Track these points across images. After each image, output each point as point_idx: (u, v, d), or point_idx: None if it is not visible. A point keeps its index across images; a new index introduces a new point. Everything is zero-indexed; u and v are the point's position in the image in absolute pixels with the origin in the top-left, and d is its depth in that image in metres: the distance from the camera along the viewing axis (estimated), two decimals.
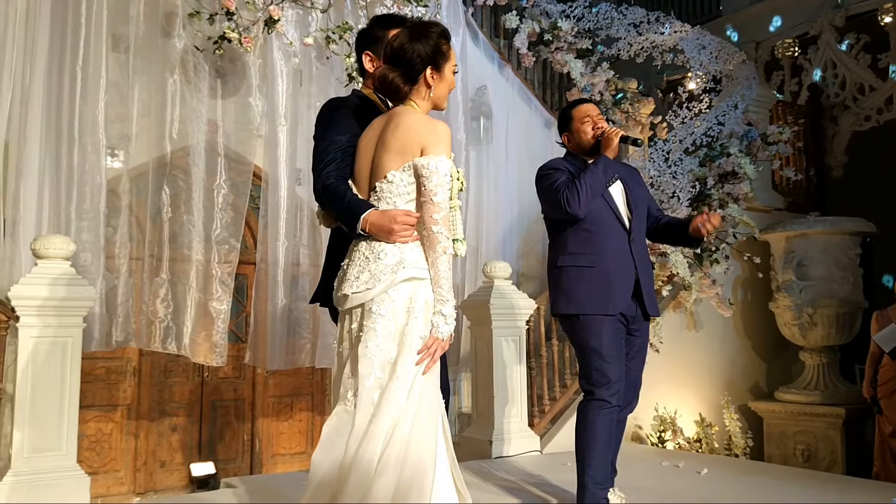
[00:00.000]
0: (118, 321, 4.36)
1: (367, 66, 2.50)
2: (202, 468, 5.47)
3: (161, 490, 5.36)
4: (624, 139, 3.16)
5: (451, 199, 2.10)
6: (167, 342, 4.43)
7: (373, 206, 2.14)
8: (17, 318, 3.32)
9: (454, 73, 2.27)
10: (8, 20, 4.00)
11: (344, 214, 2.20)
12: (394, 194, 2.11)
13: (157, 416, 5.42)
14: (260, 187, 4.97)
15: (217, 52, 4.41)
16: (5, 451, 3.32)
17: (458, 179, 2.14)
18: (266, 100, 4.81)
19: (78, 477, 3.38)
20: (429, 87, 2.19)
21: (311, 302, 2.57)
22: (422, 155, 2.08)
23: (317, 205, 2.44)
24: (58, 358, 3.35)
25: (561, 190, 3.04)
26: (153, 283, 4.51)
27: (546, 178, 3.16)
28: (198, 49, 4.52)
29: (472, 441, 4.75)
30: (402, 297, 2.05)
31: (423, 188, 2.08)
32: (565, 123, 3.29)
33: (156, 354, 4.95)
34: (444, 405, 2.19)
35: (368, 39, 2.52)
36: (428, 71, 2.18)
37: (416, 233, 2.12)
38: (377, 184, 2.15)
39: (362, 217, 2.12)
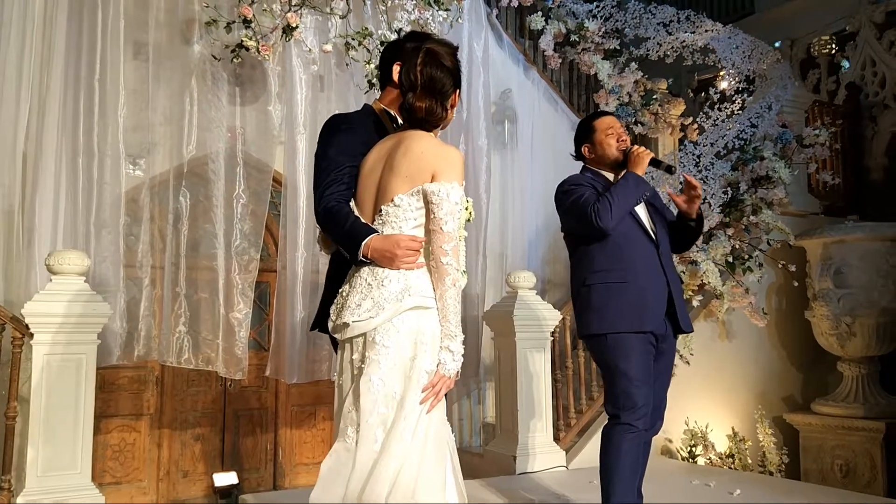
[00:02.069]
0: (139, 334, 4.32)
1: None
2: (225, 478, 5.43)
3: (184, 500, 5.34)
4: (656, 163, 3.04)
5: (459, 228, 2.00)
6: (186, 356, 4.38)
7: (375, 230, 2.04)
8: (31, 335, 3.29)
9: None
10: (26, 32, 3.99)
11: (345, 239, 2.09)
12: (400, 219, 2.00)
13: (179, 426, 5.39)
14: (281, 193, 4.91)
15: (234, 60, 4.36)
16: (21, 469, 3.30)
17: (466, 209, 2.02)
18: (285, 107, 4.74)
19: (93, 496, 3.34)
20: (450, 112, 2.14)
21: (312, 329, 2.47)
22: (432, 181, 1.97)
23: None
24: (72, 375, 3.32)
25: (590, 203, 2.92)
26: (173, 294, 4.46)
27: (570, 194, 3.03)
28: (215, 58, 4.46)
29: (496, 456, 4.64)
30: (409, 328, 1.94)
31: (431, 216, 1.97)
32: (586, 134, 3.16)
33: None
34: (451, 435, 2.07)
35: (402, 51, 2.40)
36: (455, 95, 2.14)
37: (421, 259, 2.01)
38: (383, 207, 2.04)
39: (364, 242, 2.01)
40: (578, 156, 3.22)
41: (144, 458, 5.24)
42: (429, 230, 1.99)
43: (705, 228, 5.27)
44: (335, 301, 2.12)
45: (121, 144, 4.24)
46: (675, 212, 3.21)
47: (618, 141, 3.07)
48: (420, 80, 2.05)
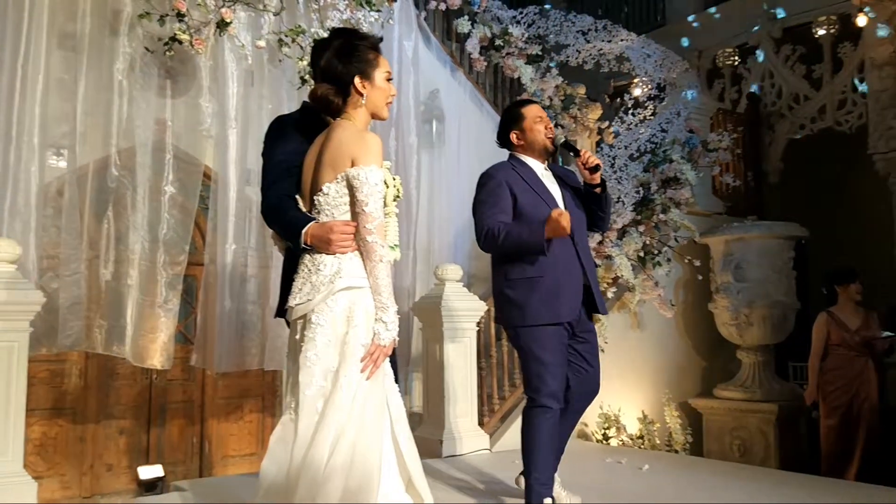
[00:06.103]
0: (63, 324, 4.27)
1: None
2: (150, 471, 5.40)
3: (108, 494, 5.28)
4: (568, 146, 3.28)
5: (385, 206, 2.17)
6: (112, 346, 4.37)
7: (314, 219, 2.21)
8: None
9: (388, 79, 2.34)
10: None
11: (288, 231, 2.27)
12: (330, 206, 2.18)
13: (103, 419, 5.33)
14: (210, 187, 4.93)
15: (167, 53, 4.37)
16: None
17: (393, 186, 2.21)
18: (216, 101, 4.77)
19: (25, 482, 3.35)
20: (361, 95, 2.27)
21: (276, 317, 2.62)
22: (352, 166, 2.14)
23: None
24: (3, 363, 3.31)
25: (486, 225, 3.10)
26: (99, 285, 4.43)
27: (480, 192, 3.21)
28: (148, 50, 4.46)
29: (423, 440, 4.79)
30: (341, 307, 2.12)
31: (354, 199, 2.14)
32: (515, 121, 3.27)
33: (101, 356, 4.87)
34: (402, 405, 2.25)
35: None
36: (356, 80, 2.26)
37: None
38: (314, 197, 2.22)
39: (303, 231, 2.19)
40: (504, 143, 3.33)
41: (67, 452, 5.16)
42: (355, 213, 2.16)
43: (619, 225, 5.62)
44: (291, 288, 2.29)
45: (36, 130, 4.15)
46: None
47: (546, 128, 3.22)
48: (319, 69, 2.27)
